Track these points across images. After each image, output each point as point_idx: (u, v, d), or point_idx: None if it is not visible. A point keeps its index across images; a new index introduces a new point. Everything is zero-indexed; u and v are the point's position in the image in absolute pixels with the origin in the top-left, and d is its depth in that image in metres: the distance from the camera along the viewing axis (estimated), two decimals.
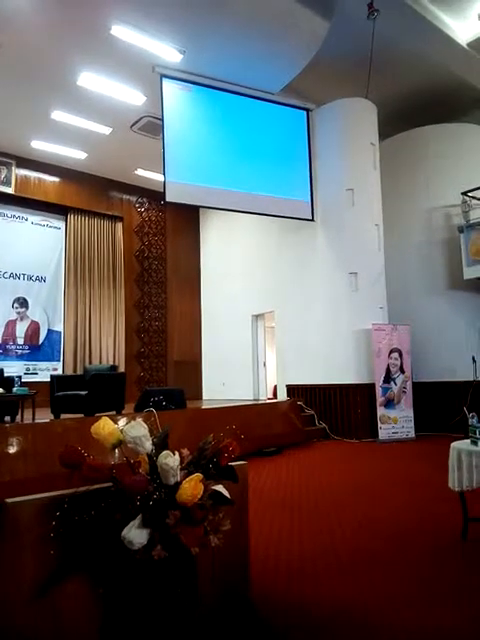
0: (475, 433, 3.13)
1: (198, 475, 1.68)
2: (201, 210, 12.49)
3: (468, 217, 8.73)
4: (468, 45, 8.11)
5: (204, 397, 12.11)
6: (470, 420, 3.30)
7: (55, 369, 10.35)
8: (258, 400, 10.45)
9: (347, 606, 2.33)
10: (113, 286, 11.31)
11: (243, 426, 6.36)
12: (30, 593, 1.61)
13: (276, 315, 10.44)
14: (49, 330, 10.52)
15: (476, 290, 8.96)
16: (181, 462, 1.82)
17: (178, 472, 1.75)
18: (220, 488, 1.84)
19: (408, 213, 9.56)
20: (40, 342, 10.38)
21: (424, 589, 2.49)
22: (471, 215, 8.72)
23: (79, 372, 9.64)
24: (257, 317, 11.13)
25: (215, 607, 2.02)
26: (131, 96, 8.36)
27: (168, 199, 7.89)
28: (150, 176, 10.99)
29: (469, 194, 8.78)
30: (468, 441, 3.21)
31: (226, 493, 1.82)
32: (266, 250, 10.65)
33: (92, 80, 7.86)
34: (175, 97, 8.11)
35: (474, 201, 8.82)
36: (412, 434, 8.30)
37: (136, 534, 1.58)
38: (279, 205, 8.88)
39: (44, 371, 10.11)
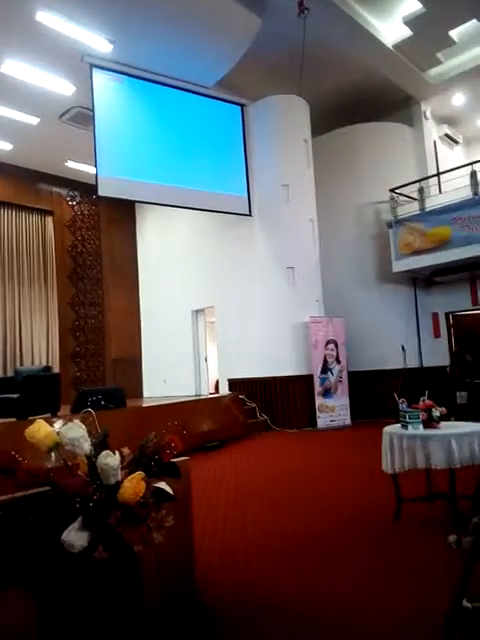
0: (405, 417, 3.30)
1: (140, 473, 1.66)
2: (137, 204, 12.23)
3: (396, 213, 9.15)
4: (393, 47, 8.47)
5: (145, 395, 11.93)
6: (400, 405, 3.49)
7: None
8: (200, 395, 10.44)
9: (291, 593, 2.40)
10: (44, 283, 10.85)
11: (186, 422, 6.34)
12: None
13: (216, 310, 10.45)
14: None
15: (404, 282, 9.43)
16: (122, 461, 1.79)
17: (119, 472, 1.72)
18: (162, 485, 1.83)
19: (341, 209, 9.88)
20: None
21: (363, 569, 2.62)
22: (399, 211, 9.15)
23: (9, 374, 9.18)
24: (197, 312, 11.10)
25: (159, 604, 2.01)
26: (60, 86, 8.02)
27: (100, 194, 7.67)
28: (81, 168, 10.60)
29: (397, 191, 9.20)
30: (399, 425, 3.39)
31: (169, 489, 1.82)
32: (205, 245, 10.63)
33: (17, 68, 7.45)
34: (106, 88, 7.86)
35: (401, 198, 9.26)
36: (348, 421, 8.63)
37: (76, 537, 1.54)
38: (216, 200, 8.88)
39: None
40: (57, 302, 10.94)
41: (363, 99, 9.78)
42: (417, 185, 9.03)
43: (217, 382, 10.85)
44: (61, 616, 1.65)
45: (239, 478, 5.09)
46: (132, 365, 12.00)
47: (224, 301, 10.08)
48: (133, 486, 1.60)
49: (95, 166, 7.58)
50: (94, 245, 11.77)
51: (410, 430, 3.24)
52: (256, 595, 2.38)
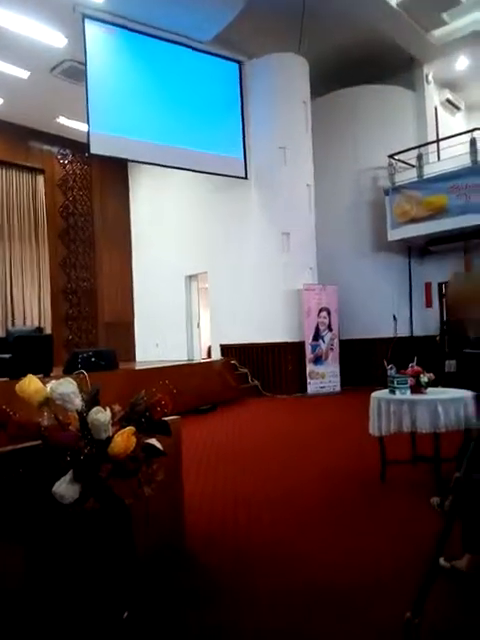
0: (393, 382, 3.35)
1: (130, 428, 1.68)
2: (130, 164, 11.95)
3: (393, 180, 9.02)
4: (398, 5, 8.16)
5: (137, 359, 11.98)
6: (389, 371, 3.53)
7: None
8: (192, 360, 10.50)
9: (279, 545, 2.48)
10: (36, 244, 10.68)
11: (177, 385, 6.39)
12: None
13: (209, 276, 10.39)
14: None
15: (399, 251, 9.40)
16: (113, 417, 1.81)
17: (110, 427, 1.74)
18: (153, 441, 1.86)
19: (338, 174, 9.71)
20: None
21: (347, 526, 2.71)
22: (396, 178, 9.02)
23: (1, 335, 9.15)
24: (190, 278, 11.03)
25: (150, 555, 2.07)
26: (51, 37, 7.68)
27: (93, 151, 7.49)
28: (74, 125, 10.28)
29: (395, 157, 9.05)
30: (387, 390, 3.44)
31: (159, 445, 1.85)
32: (199, 208, 10.46)
33: (6, 16, 7.10)
34: (99, 41, 7.56)
35: (400, 164, 9.11)
36: (338, 388, 8.75)
37: (67, 489, 1.57)
38: (211, 161, 8.69)
39: None
40: (49, 264, 10.81)
41: (364, 60, 9.45)
42: (416, 151, 8.88)
43: (209, 348, 10.90)
44: (50, 565, 1.69)
45: (230, 440, 5.18)
46: (124, 329, 11.99)
47: (217, 267, 10.01)
48: (123, 440, 1.63)
49: (87, 122, 7.37)
50: (86, 206, 11.55)
51: (397, 395, 3.29)
52: (244, 550, 2.46)
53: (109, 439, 1.70)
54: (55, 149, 11.01)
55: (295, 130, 8.95)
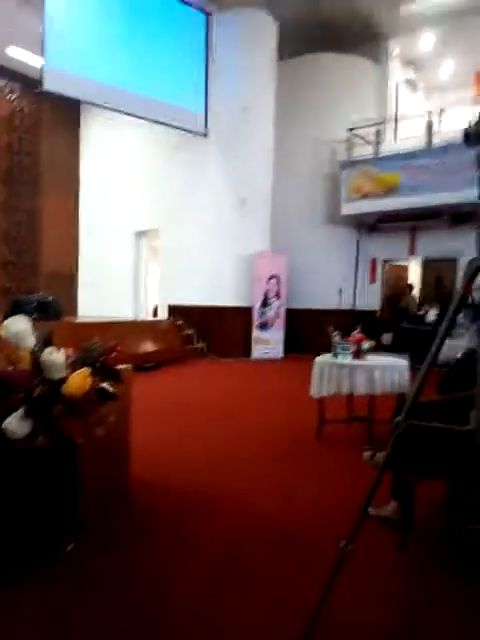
0: (337, 348, 3.52)
1: (86, 369, 1.69)
2: (83, 108, 11.30)
3: (351, 154, 9.12)
4: None
5: (79, 313, 11.66)
6: (333, 337, 3.69)
7: None
8: (138, 318, 10.37)
9: (219, 492, 2.60)
10: None
11: (123, 341, 6.35)
12: None
13: (161, 233, 10.18)
14: None
15: (350, 226, 9.59)
16: (66, 359, 1.80)
17: (64, 368, 1.73)
18: (105, 385, 1.88)
19: (297, 142, 9.66)
20: None
21: (283, 473, 2.87)
22: (354, 152, 9.12)
23: None
24: (140, 234, 10.76)
25: (94, 496, 2.11)
26: None
27: (45, 87, 7.02)
28: (25, 58, 9.52)
29: (354, 131, 9.12)
30: (330, 355, 3.60)
31: (111, 389, 1.87)
32: (155, 162, 10.10)
33: None
34: None
35: (357, 139, 9.19)
36: (281, 354, 8.99)
37: (18, 425, 1.57)
38: (171, 112, 8.35)
39: None
40: None
41: (333, 27, 9.30)
42: (374, 127, 8.97)
43: (156, 308, 10.79)
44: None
45: (174, 397, 5.25)
46: (67, 281, 11.58)
47: (169, 225, 9.80)
48: (79, 380, 1.64)
49: (42, 55, 6.87)
50: (33, 146, 10.85)
51: (339, 360, 3.47)
52: (186, 495, 2.56)
53: (62, 380, 1.70)
54: (2, 82, 10.19)
55: (259, 90, 8.77)
